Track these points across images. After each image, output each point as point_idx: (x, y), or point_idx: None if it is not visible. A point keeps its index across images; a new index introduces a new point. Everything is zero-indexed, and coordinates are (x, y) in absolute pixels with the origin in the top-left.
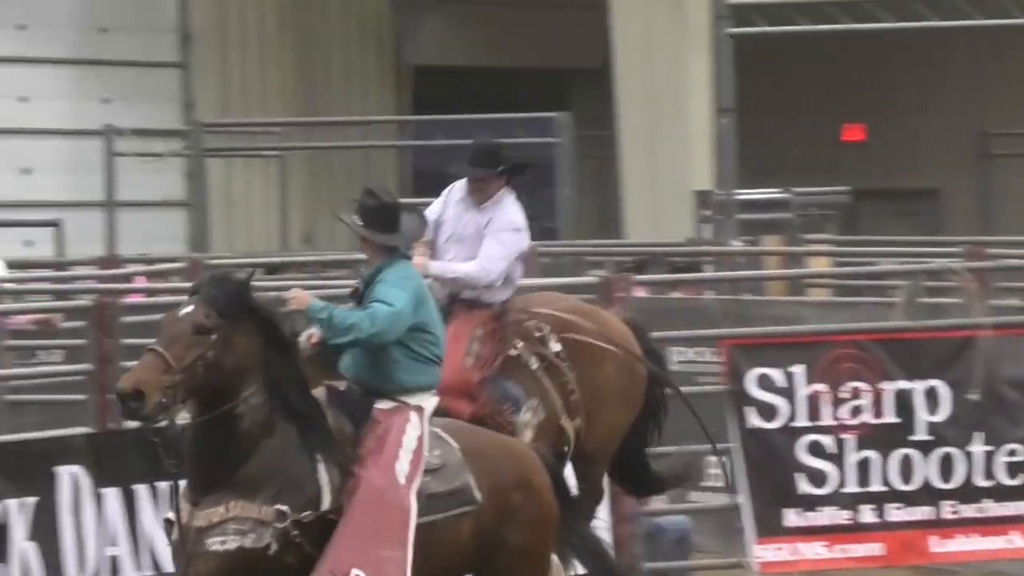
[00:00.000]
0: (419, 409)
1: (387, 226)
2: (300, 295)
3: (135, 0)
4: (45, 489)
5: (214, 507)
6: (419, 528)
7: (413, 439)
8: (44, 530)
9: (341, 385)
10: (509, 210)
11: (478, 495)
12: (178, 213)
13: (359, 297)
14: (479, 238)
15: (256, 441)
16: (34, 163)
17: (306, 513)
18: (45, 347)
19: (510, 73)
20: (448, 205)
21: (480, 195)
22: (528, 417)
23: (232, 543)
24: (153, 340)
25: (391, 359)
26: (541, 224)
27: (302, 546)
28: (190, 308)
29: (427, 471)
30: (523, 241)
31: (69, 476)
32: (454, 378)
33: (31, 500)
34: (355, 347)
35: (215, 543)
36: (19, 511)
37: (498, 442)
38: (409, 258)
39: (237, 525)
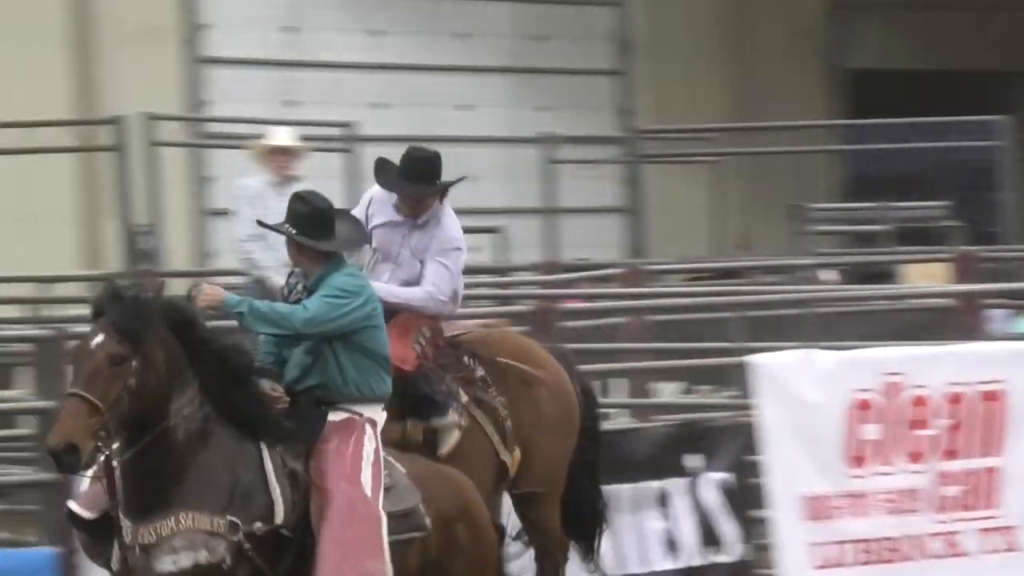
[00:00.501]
0: (372, 422)
1: (321, 232)
2: (212, 291)
3: (573, 9)
4: None
5: (161, 521)
6: None
7: (371, 452)
8: None
9: (286, 397)
10: (448, 227)
11: (427, 521)
12: (616, 219)
13: (305, 296)
14: (416, 259)
15: (194, 453)
16: (475, 170)
17: (258, 525)
18: None
19: (949, 76)
20: (370, 220)
21: (414, 211)
22: (455, 418)
23: (186, 560)
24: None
25: (345, 361)
26: (981, 228)
27: (254, 561)
28: (100, 338)
29: None
30: (464, 257)
31: None
32: (399, 355)
33: None
34: (291, 343)
35: (167, 563)
36: None
37: (438, 471)
38: (346, 263)
39: (188, 540)
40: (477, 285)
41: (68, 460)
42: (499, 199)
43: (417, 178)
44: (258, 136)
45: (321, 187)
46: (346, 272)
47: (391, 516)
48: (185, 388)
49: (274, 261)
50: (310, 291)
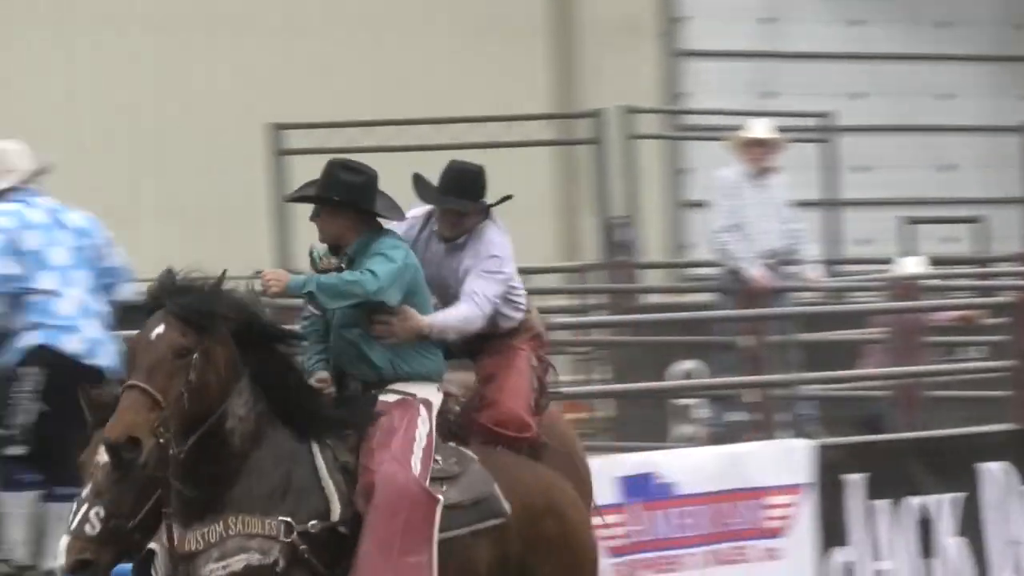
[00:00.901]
0: (427, 403)
1: (372, 199)
2: (275, 275)
3: None
4: (970, 485)
5: (210, 526)
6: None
7: (424, 435)
8: (970, 526)
9: (331, 386)
10: (489, 239)
11: (506, 506)
12: None
13: (345, 264)
14: (460, 281)
15: (246, 456)
16: (955, 160)
17: (313, 523)
18: (967, 343)
19: None
20: (418, 241)
21: (453, 230)
22: None
23: (238, 564)
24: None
25: (391, 344)
26: None
27: (311, 564)
28: (161, 329)
29: (442, 479)
30: (506, 267)
31: (994, 472)
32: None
33: (957, 496)
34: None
35: (217, 569)
36: (945, 506)
37: (521, 462)
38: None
39: (239, 543)
40: (957, 276)
41: (128, 456)
42: (980, 189)
43: (459, 192)
44: (735, 128)
45: (798, 178)
46: (391, 236)
47: (460, 507)
48: (240, 388)
49: (749, 252)
50: (351, 258)
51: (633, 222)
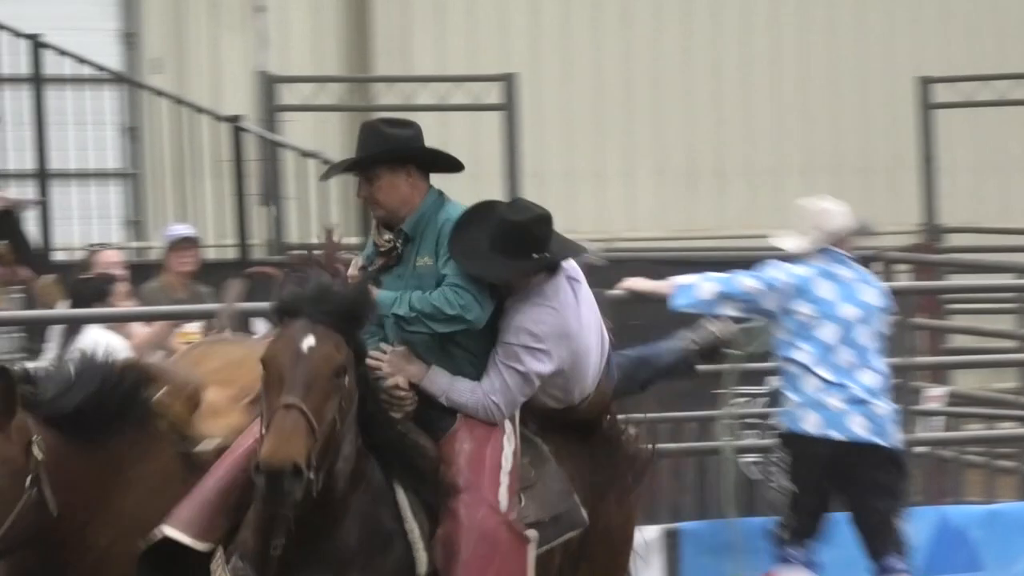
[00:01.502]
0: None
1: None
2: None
3: None
4: None
5: None
6: None
7: (510, 455)
8: None
9: (414, 396)
10: (528, 313)
11: (584, 515)
12: None
13: (401, 243)
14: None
15: (347, 500)
16: None
17: None
18: None
19: None
20: None
21: (507, 289)
22: None
23: None
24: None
25: (467, 350)
26: None
27: None
28: (312, 341)
29: (520, 489)
30: (526, 359)
31: None
32: None
33: None
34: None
35: None
36: None
37: (589, 453)
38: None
39: None
40: None
41: (290, 487)
42: None
43: (512, 252)
44: None
45: None
46: (452, 206)
47: (540, 524)
48: (351, 423)
49: None
50: (410, 233)
51: None
